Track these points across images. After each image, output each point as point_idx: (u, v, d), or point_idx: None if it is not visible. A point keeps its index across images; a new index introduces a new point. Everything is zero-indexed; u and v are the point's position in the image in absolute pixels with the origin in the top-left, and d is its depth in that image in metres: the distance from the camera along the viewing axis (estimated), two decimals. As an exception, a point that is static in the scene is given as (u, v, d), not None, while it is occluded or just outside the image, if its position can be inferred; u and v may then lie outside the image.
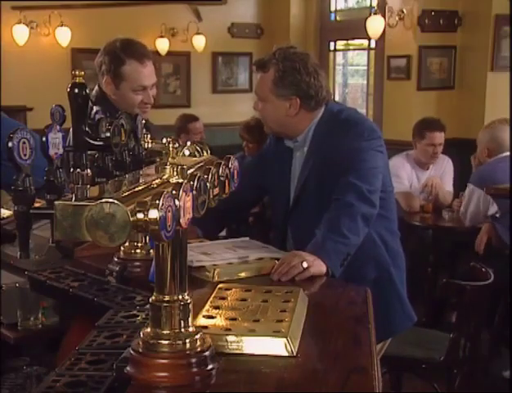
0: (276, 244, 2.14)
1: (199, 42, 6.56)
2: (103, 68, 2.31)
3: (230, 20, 6.84)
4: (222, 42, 6.82)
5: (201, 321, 1.34)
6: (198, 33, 6.53)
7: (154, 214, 0.93)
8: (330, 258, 1.83)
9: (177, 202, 1.00)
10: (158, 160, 1.37)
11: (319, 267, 1.79)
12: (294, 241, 2.16)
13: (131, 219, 0.92)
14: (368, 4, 6.17)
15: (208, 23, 6.62)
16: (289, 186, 2.21)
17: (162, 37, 6.41)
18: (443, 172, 4.19)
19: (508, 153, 3.65)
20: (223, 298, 1.50)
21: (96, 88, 2.36)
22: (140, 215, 0.93)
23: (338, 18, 6.71)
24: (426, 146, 4.10)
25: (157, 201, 0.94)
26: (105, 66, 2.30)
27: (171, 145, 1.20)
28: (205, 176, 1.20)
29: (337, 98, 6.98)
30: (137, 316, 1.42)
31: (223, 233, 3.50)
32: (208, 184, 1.19)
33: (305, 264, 1.75)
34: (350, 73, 7.18)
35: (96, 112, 2.16)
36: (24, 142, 1.04)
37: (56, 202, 0.93)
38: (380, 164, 2.09)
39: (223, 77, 7.04)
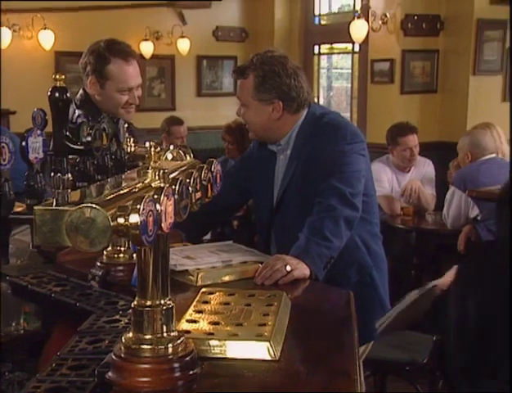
0: (261, 247, 2.14)
1: (183, 45, 6.55)
2: (88, 68, 2.30)
3: (214, 24, 6.84)
4: (206, 46, 6.81)
5: (184, 325, 1.34)
6: (182, 37, 6.52)
7: (135, 218, 0.92)
8: (314, 261, 1.83)
9: (158, 207, 1.00)
10: (141, 163, 1.37)
11: (302, 270, 1.79)
12: (278, 245, 2.16)
13: (111, 223, 0.91)
14: (352, 8, 6.20)
15: (193, 26, 6.62)
16: (272, 189, 2.21)
17: (146, 40, 6.39)
18: (424, 175, 4.22)
19: (491, 155, 3.68)
20: (206, 302, 1.49)
21: (81, 91, 2.35)
22: (121, 220, 0.93)
23: (322, 22, 6.73)
24: (402, 151, 4.15)
25: (138, 206, 0.93)
26: (90, 66, 2.29)
27: (153, 149, 1.20)
28: (187, 180, 1.20)
29: (322, 101, 7.01)
30: (120, 321, 1.41)
31: (208, 237, 3.50)
32: (190, 188, 1.19)
33: (288, 268, 1.76)
34: (334, 76, 7.21)
35: (78, 116, 2.15)
36: (3, 147, 1.03)
37: (36, 207, 0.92)
38: (363, 168, 2.10)
39: (208, 80, 7.03)
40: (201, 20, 6.71)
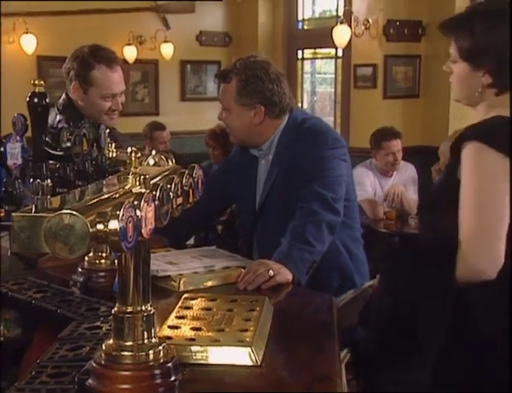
0: (243, 252, 2.14)
1: (167, 50, 6.54)
2: (71, 74, 2.29)
3: (198, 29, 6.84)
4: (190, 51, 6.81)
5: (166, 331, 1.33)
6: (166, 41, 6.51)
7: (114, 224, 0.92)
8: (296, 266, 1.84)
9: (138, 213, 0.99)
10: (122, 169, 1.37)
11: (285, 275, 1.80)
12: (260, 250, 2.16)
13: (90, 230, 0.91)
14: (334, 13, 6.24)
15: (177, 31, 6.61)
16: (254, 194, 2.21)
17: (129, 45, 6.37)
18: (407, 179, 4.25)
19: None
20: (188, 308, 1.49)
21: (64, 96, 2.33)
22: (100, 226, 0.92)
23: (305, 27, 6.76)
24: (386, 156, 4.17)
25: (117, 212, 0.93)
26: (74, 72, 2.28)
27: (133, 155, 1.19)
28: (168, 186, 1.20)
29: (305, 106, 7.03)
30: (101, 327, 1.40)
31: (191, 242, 3.49)
32: (171, 194, 1.19)
33: (271, 273, 1.76)
34: (318, 81, 7.24)
35: (59, 121, 2.13)
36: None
37: (14, 214, 0.91)
38: (344, 173, 2.11)
39: (192, 85, 7.03)
40: (185, 25, 6.70)
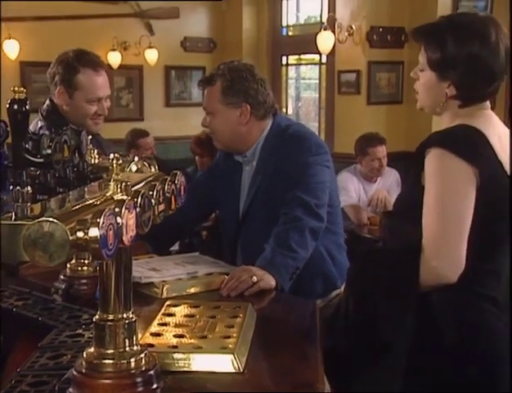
0: (227, 259, 2.14)
1: (151, 55, 6.53)
2: (56, 78, 2.27)
3: (182, 34, 6.83)
4: (174, 56, 6.80)
5: (148, 339, 1.33)
6: (150, 47, 6.50)
7: (94, 232, 0.92)
8: (280, 272, 1.84)
9: (119, 220, 0.99)
10: (105, 176, 1.36)
11: (268, 281, 1.80)
12: (244, 256, 2.16)
13: (70, 237, 0.90)
14: (318, 20, 6.27)
15: (161, 37, 6.60)
16: (238, 200, 2.21)
17: (114, 50, 6.35)
18: (390, 185, 4.27)
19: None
20: (171, 315, 1.49)
21: (48, 101, 2.31)
22: (80, 234, 0.92)
23: (289, 33, 6.79)
24: (371, 162, 4.19)
25: (98, 219, 0.93)
26: (59, 76, 2.26)
27: (115, 161, 1.19)
28: (150, 192, 1.20)
29: (290, 112, 7.04)
30: (83, 335, 1.40)
31: (176, 248, 3.47)
32: (152, 201, 1.19)
33: (254, 279, 1.76)
34: (303, 87, 7.27)
35: (41, 127, 2.12)
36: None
37: (-8, 222, 0.91)
38: (327, 179, 2.11)
39: (176, 91, 7.02)
40: (169, 31, 6.70)
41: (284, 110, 6.88)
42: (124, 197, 1.10)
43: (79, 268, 1.73)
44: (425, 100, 1.59)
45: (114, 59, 6.35)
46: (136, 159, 1.54)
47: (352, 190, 4.20)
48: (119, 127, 6.16)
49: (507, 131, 1.59)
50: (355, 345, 1.54)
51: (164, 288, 1.74)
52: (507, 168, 1.47)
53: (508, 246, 1.54)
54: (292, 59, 6.87)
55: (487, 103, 1.56)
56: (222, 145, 2.22)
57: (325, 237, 2.09)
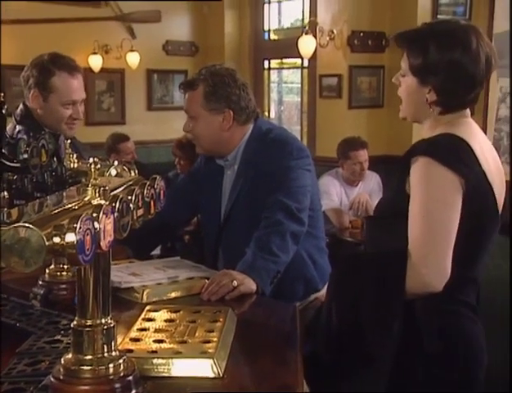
0: (209, 263, 2.14)
1: (133, 59, 6.50)
2: (30, 81, 2.25)
3: (164, 38, 6.82)
4: (156, 60, 6.78)
5: (127, 344, 1.32)
6: (132, 51, 6.47)
7: (71, 237, 0.91)
8: (260, 276, 1.84)
9: (96, 225, 0.98)
10: (84, 180, 1.35)
11: (249, 285, 1.80)
12: (225, 260, 2.16)
13: (47, 243, 0.90)
14: (300, 24, 6.29)
15: (143, 40, 6.58)
16: (220, 204, 2.21)
17: (95, 53, 6.32)
18: (372, 188, 4.30)
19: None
20: (151, 320, 1.48)
21: (21, 106, 2.28)
22: (56, 239, 0.91)
23: (272, 37, 6.81)
24: (353, 166, 4.22)
25: (74, 225, 0.92)
26: (33, 79, 2.24)
27: (93, 166, 1.18)
28: (129, 197, 1.19)
29: (273, 115, 7.06)
30: (61, 341, 1.38)
31: (158, 252, 3.46)
32: (131, 205, 1.18)
33: (235, 283, 1.76)
34: (285, 91, 7.29)
35: (19, 132, 2.10)
36: None
37: (-33, 227, 0.90)
38: (309, 183, 2.12)
39: (158, 94, 7.00)
40: (151, 34, 6.68)
41: (266, 114, 6.89)
42: (102, 202, 1.10)
43: (58, 274, 1.71)
44: (407, 106, 1.60)
45: (96, 62, 6.32)
46: (115, 163, 1.54)
47: (333, 194, 4.22)
48: (101, 131, 6.13)
49: (486, 139, 1.61)
50: (339, 354, 1.53)
51: (145, 293, 1.73)
52: (490, 177, 1.49)
53: (487, 254, 1.56)
54: (274, 63, 6.89)
55: (468, 111, 1.57)
56: (203, 150, 2.22)
57: (307, 241, 2.09)
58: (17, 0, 5.49)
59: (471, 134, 1.52)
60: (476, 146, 1.49)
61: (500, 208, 1.53)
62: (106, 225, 1.02)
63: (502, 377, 2.37)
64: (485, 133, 1.83)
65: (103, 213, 1.01)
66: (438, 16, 4.91)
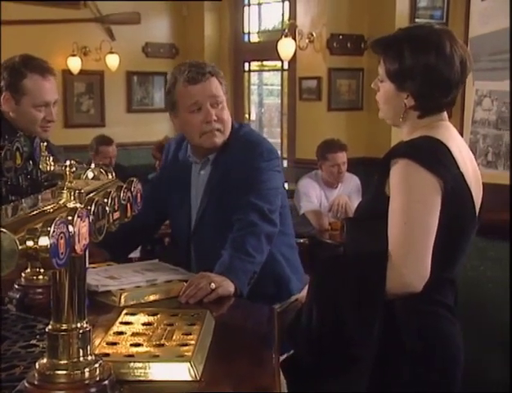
0: (181, 265, 2.11)
1: (112, 61, 6.46)
2: (2, 84, 2.21)
3: (144, 40, 6.80)
4: (136, 62, 6.76)
5: (104, 348, 1.31)
6: (111, 52, 6.44)
7: (44, 241, 0.90)
8: (239, 277, 1.84)
9: (71, 228, 0.98)
10: (60, 183, 1.34)
11: (227, 288, 1.80)
12: (198, 262, 2.15)
13: (20, 247, 0.89)
14: (280, 27, 6.31)
15: (122, 42, 6.55)
16: (190, 205, 2.19)
17: (74, 55, 6.27)
18: (351, 190, 4.33)
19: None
20: (128, 323, 1.47)
21: None
22: (30, 243, 0.90)
23: (251, 39, 6.82)
24: (331, 167, 4.24)
25: (48, 228, 0.91)
26: (5, 82, 2.21)
27: (68, 169, 1.17)
28: (105, 200, 1.19)
29: (253, 117, 7.07)
30: (37, 346, 1.37)
31: (137, 255, 3.44)
32: (107, 208, 1.17)
33: (213, 286, 1.76)
34: (265, 93, 7.30)
35: (-6, 135, 2.07)
36: None
37: None
38: (280, 185, 2.15)
39: (138, 96, 6.97)
40: (130, 36, 6.66)
41: (247, 116, 6.90)
42: (78, 205, 1.09)
43: (34, 277, 1.70)
44: (386, 111, 1.62)
45: (74, 64, 6.28)
46: (92, 166, 1.53)
47: (313, 196, 4.24)
48: (80, 133, 6.10)
49: (463, 142, 1.63)
50: (320, 356, 1.54)
51: (122, 296, 1.72)
52: (467, 179, 1.50)
53: (464, 255, 1.58)
54: (254, 65, 6.90)
55: (445, 114, 1.59)
56: (221, 142, 2.11)
57: (278, 239, 2.10)
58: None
59: (449, 137, 1.53)
60: (454, 148, 1.51)
61: (477, 209, 1.55)
62: (81, 228, 1.01)
63: (477, 376, 2.40)
64: (462, 135, 1.85)
65: (78, 216, 1.00)
66: (416, 20, 4.95)
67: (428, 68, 1.51)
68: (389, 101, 1.58)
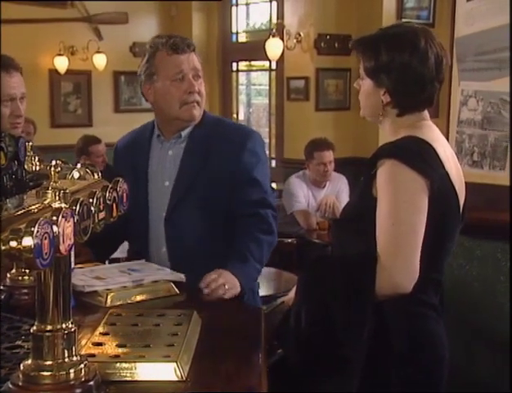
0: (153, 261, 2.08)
1: (99, 60, 6.44)
2: None
3: (131, 39, 6.78)
4: (124, 61, 6.73)
5: (89, 349, 1.30)
6: (98, 52, 6.42)
7: (28, 241, 0.90)
8: (248, 283, 1.90)
9: (55, 228, 0.97)
10: (45, 183, 1.33)
11: (236, 291, 1.84)
12: (170, 251, 2.08)
13: (3, 247, 0.88)
14: (267, 27, 6.31)
15: (110, 42, 6.53)
16: (160, 187, 2.10)
17: (61, 55, 6.24)
18: (339, 190, 4.34)
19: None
20: (114, 324, 1.46)
21: None
22: (13, 243, 0.90)
23: (239, 39, 6.82)
24: (317, 166, 4.26)
25: (32, 228, 0.91)
26: None
27: (53, 169, 1.16)
28: (90, 200, 1.18)
29: (241, 117, 7.06)
30: (22, 347, 1.36)
31: (125, 255, 3.42)
32: (92, 208, 1.17)
33: (227, 286, 1.80)
34: (253, 93, 7.30)
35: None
36: None
37: None
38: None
39: (126, 96, 6.95)
40: (118, 36, 6.63)
41: (235, 116, 6.90)
42: (62, 205, 1.08)
43: (20, 278, 1.69)
44: (366, 108, 1.63)
45: (61, 64, 6.25)
46: (78, 165, 1.52)
47: (301, 195, 4.25)
48: (67, 133, 6.06)
49: (446, 142, 1.65)
50: (309, 357, 1.54)
51: (109, 297, 1.71)
52: (452, 179, 1.51)
53: (449, 254, 1.59)
54: (242, 65, 6.90)
55: (426, 113, 1.60)
56: (199, 114, 2.08)
57: None
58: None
59: (433, 137, 1.54)
60: (439, 148, 1.51)
61: (461, 208, 1.56)
62: (66, 229, 1.00)
63: (464, 375, 2.42)
64: (448, 135, 1.86)
65: (62, 216, 0.99)
66: (403, 20, 4.97)
67: (404, 65, 1.52)
68: (369, 98, 1.60)
